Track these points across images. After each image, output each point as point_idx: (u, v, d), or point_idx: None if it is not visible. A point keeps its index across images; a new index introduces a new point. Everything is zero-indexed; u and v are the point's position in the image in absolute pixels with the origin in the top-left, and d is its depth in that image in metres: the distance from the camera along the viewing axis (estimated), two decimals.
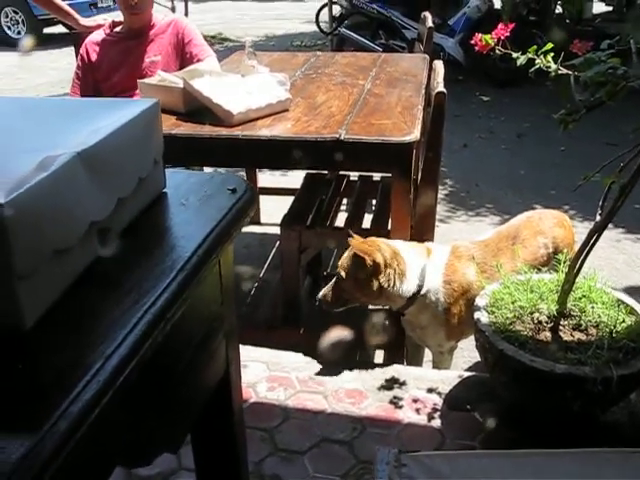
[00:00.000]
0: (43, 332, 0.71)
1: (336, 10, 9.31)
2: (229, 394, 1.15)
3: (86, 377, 0.64)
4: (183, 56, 3.35)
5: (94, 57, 3.32)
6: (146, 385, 0.79)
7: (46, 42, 11.23)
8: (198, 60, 3.31)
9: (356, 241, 2.39)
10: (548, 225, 2.69)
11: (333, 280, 2.42)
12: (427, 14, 4.30)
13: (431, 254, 2.49)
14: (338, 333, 2.75)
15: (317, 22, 10.78)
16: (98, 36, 3.37)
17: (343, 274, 2.37)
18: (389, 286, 2.37)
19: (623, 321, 2.11)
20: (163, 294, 0.77)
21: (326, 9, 9.69)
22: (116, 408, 0.66)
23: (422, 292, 2.42)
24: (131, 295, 0.77)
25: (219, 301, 1.07)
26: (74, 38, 3.70)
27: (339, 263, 2.41)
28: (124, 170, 0.90)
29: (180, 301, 0.79)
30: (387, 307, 2.62)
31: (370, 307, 3.26)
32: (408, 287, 2.40)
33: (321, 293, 2.44)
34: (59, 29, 11.14)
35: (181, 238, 0.93)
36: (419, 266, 2.43)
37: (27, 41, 11.12)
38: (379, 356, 2.97)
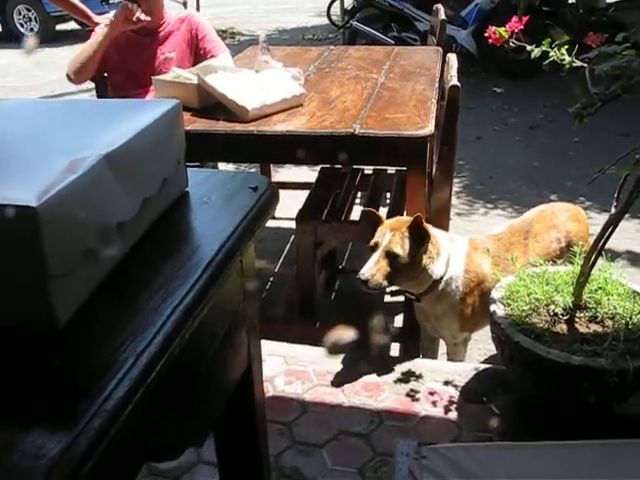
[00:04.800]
0: (75, 331, 0.73)
1: (348, 3, 9.28)
2: (252, 390, 1.17)
3: (118, 375, 0.65)
4: (197, 52, 3.36)
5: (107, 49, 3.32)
6: (173, 382, 0.81)
7: (59, 39, 11.29)
8: (212, 56, 3.32)
9: (402, 220, 2.40)
10: (561, 219, 2.69)
11: (376, 259, 2.31)
12: (439, 6, 4.29)
13: (453, 242, 2.50)
14: (352, 329, 2.75)
15: (329, 15, 10.75)
16: None
17: (400, 251, 2.30)
18: (428, 263, 2.37)
19: (639, 313, 2.11)
20: (190, 292, 0.79)
21: (337, 2, 9.64)
22: (147, 405, 0.68)
23: (445, 278, 2.43)
24: (159, 293, 0.78)
25: (241, 297, 1.08)
26: (88, 35, 3.71)
27: (382, 241, 2.32)
28: (149, 171, 0.92)
29: (207, 298, 0.80)
30: (405, 294, 2.60)
31: (385, 300, 3.29)
32: (438, 269, 2.41)
33: (367, 274, 2.28)
34: (72, 25, 11.20)
35: (205, 237, 0.94)
36: (446, 251, 2.44)
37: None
38: (395, 349, 2.98)
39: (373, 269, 2.29)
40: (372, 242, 2.36)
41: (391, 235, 2.31)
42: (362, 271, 2.29)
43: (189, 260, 0.85)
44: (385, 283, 2.32)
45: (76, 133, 0.91)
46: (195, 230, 0.99)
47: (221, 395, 1.04)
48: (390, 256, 2.30)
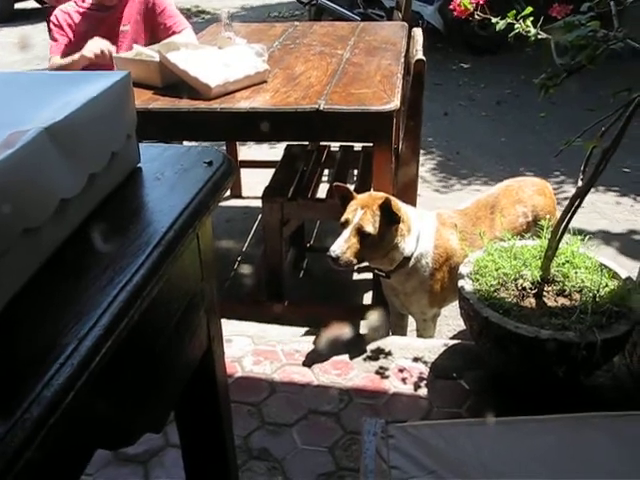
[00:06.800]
0: (14, 315, 0.69)
1: None
2: (212, 371, 1.14)
3: (59, 360, 0.61)
4: (156, 27, 3.28)
5: (65, 24, 3.24)
6: (124, 365, 0.77)
7: (18, 18, 11.03)
8: (173, 32, 3.25)
9: (374, 196, 2.35)
10: (527, 194, 2.68)
11: (347, 236, 2.26)
12: None
13: (423, 219, 2.48)
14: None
15: None
16: (69, 7, 3.29)
17: (371, 229, 2.26)
18: (399, 241, 2.35)
19: (606, 285, 2.11)
20: (139, 271, 0.75)
21: None
22: (92, 391, 0.64)
23: (415, 254, 2.41)
24: (106, 273, 0.74)
25: (199, 277, 1.05)
26: (46, 13, 3.62)
27: (353, 218, 2.28)
28: (95, 145, 0.87)
29: (157, 277, 0.76)
30: (374, 271, 2.57)
31: (353, 277, 3.28)
32: (409, 246, 2.39)
33: (337, 251, 2.24)
34: (31, 4, 10.94)
35: (157, 213, 0.90)
36: (417, 228, 2.42)
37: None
38: (364, 326, 2.97)
39: (344, 246, 2.25)
40: (343, 219, 2.32)
41: (362, 213, 2.28)
42: (332, 248, 2.26)
43: (139, 238, 0.81)
44: (355, 260, 2.29)
45: (18, 106, 0.86)
46: (147, 207, 0.95)
47: (179, 377, 1.01)
48: (361, 233, 2.27)
